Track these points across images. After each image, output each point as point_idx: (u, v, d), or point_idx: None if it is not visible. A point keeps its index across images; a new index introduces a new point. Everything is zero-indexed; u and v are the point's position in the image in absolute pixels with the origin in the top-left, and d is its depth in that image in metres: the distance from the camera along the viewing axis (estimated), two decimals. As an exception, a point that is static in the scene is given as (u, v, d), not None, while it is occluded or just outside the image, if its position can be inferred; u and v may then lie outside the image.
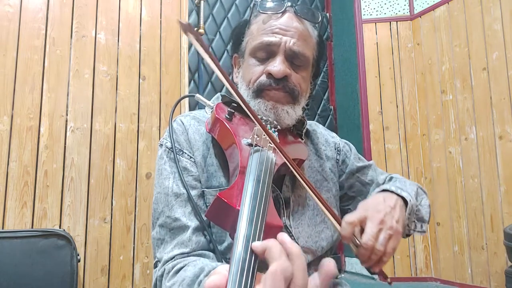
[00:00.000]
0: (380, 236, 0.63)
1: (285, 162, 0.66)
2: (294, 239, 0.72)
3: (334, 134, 0.97)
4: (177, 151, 0.76)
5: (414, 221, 0.76)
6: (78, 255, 1.65)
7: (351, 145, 0.97)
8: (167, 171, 0.75)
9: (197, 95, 0.80)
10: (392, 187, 0.75)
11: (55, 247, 1.60)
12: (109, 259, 1.82)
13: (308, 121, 0.91)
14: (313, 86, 0.88)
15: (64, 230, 1.69)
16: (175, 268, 0.66)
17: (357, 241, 0.64)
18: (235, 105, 0.74)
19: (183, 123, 0.80)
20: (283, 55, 0.76)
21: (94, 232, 1.80)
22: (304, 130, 0.87)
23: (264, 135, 0.67)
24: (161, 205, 0.73)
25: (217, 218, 0.55)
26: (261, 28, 0.80)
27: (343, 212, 0.87)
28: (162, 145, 0.79)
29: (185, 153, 0.77)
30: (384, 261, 0.64)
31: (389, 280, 0.68)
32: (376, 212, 0.67)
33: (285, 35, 0.77)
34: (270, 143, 0.66)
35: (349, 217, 0.64)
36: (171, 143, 0.77)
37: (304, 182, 0.64)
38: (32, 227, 1.69)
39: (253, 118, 0.66)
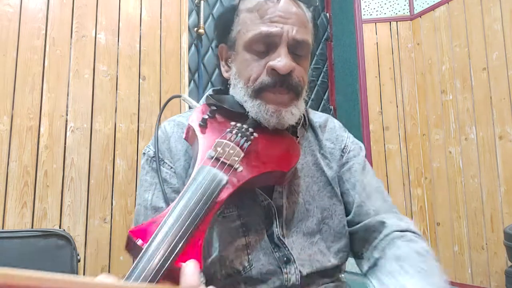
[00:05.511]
0: None
1: (246, 181, 0.59)
2: (287, 250, 0.67)
3: (348, 134, 0.84)
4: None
5: None
6: (78, 255, 1.65)
7: (362, 150, 0.82)
8: (147, 182, 0.72)
9: (184, 95, 0.76)
10: None
11: (55, 247, 1.59)
12: (109, 259, 1.82)
13: (323, 114, 0.83)
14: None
15: (64, 230, 1.69)
16: None
17: None
18: (215, 108, 0.68)
19: (166, 130, 0.75)
20: (285, 47, 0.67)
21: (94, 232, 1.80)
22: (301, 122, 0.77)
23: (229, 147, 0.60)
24: (141, 218, 0.71)
25: (130, 254, 0.51)
26: (256, 16, 0.69)
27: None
28: (144, 154, 0.75)
29: (166, 163, 0.72)
30: None
31: None
32: None
33: (286, 23, 0.67)
34: (235, 157, 0.59)
35: None
36: (155, 152, 0.72)
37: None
38: (32, 227, 1.69)
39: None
